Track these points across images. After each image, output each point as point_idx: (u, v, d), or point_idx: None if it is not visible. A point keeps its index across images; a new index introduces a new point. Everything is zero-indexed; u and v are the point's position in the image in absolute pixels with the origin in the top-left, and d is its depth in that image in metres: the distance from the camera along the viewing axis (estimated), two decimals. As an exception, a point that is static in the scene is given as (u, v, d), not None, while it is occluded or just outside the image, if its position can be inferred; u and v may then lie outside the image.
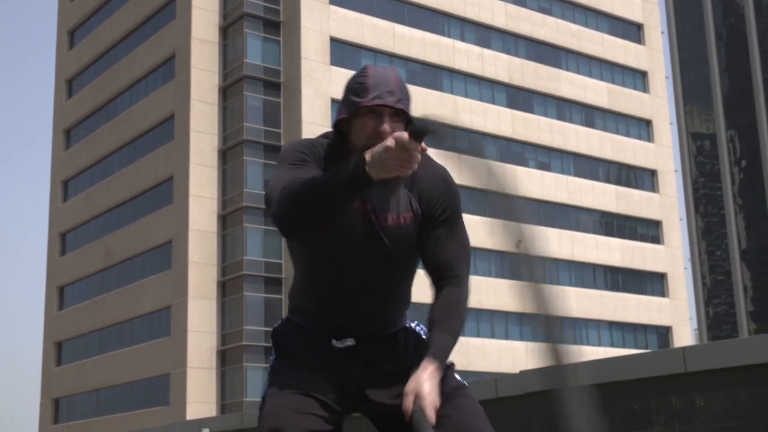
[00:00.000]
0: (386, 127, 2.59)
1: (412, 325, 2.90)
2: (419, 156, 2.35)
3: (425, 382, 2.49)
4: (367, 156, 2.35)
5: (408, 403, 2.47)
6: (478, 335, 51.29)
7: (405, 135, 2.29)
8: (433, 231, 2.70)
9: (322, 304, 2.71)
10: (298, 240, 2.53)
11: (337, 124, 2.69)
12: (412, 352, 2.81)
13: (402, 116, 2.64)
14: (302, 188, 2.43)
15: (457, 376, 2.82)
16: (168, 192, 50.45)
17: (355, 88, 2.64)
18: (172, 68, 52.02)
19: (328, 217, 2.45)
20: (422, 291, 48.67)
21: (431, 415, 2.46)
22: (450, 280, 2.69)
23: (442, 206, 2.71)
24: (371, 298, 2.72)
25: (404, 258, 2.72)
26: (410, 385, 2.48)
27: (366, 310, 2.74)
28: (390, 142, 2.31)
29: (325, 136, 2.75)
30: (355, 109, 2.61)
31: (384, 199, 2.67)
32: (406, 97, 2.64)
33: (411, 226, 2.70)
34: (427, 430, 2.39)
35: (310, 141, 2.70)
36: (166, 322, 48.79)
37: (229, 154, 49.62)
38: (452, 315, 2.65)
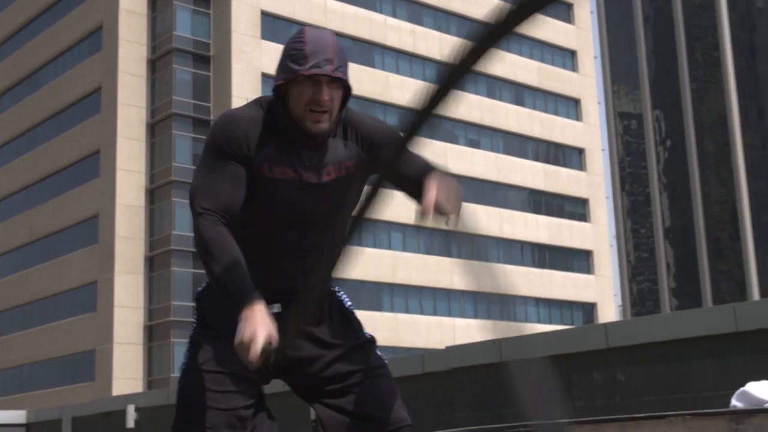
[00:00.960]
0: (324, 95, 2.60)
1: (336, 289, 2.92)
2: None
3: (437, 180, 2.60)
4: (246, 313, 2.46)
5: (429, 201, 2.59)
6: (407, 311, 51.60)
7: (255, 354, 2.42)
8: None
9: (252, 267, 2.71)
10: None
11: (276, 88, 2.68)
12: (334, 319, 2.84)
13: (340, 83, 2.64)
14: (210, 251, 2.55)
15: (378, 353, 2.86)
16: (95, 166, 49.68)
17: (292, 54, 2.63)
18: (99, 40, 51.08)
19: None
20: (356, 268, 48.68)
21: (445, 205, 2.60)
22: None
23: (384, 136, 2.76)
24: (303, 259, 2.74)
25: (342, 212, 2.75)
26: (428, 196, 2.57)
27: (297, 272, 2.75)
28: (244, 348, 2.44)
29: (257, 101, 2.74)
30: (293, 77, 2.61)
31: (317, 158, 2.70)
32: (344, 64, 2.65)
33: (355, 173, 2.74)
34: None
35: (238, 119, 2.68)
36: (92, 298, 48.17)
37: (157, 128, 48.99)
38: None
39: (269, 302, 2.73)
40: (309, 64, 2.59)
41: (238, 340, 2.44)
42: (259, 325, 2.43)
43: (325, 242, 2.75)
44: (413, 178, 2.73)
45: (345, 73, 2.64)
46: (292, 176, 2.66)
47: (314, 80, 2.61)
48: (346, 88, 2.68)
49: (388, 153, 2.72)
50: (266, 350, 2.44)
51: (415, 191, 2.74)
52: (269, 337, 2.45)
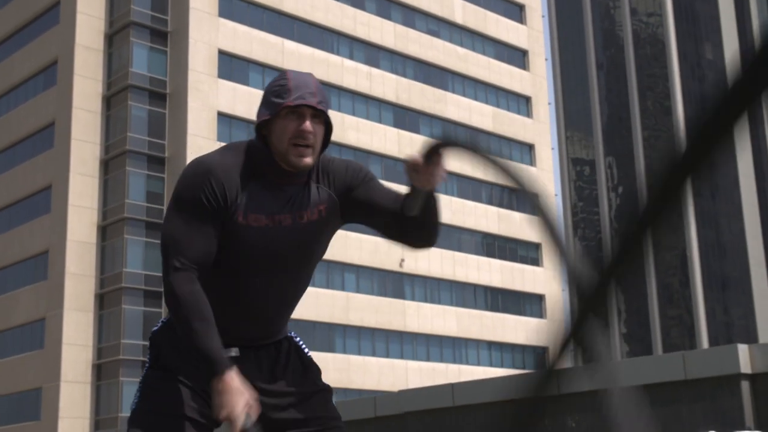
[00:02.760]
0: (308, 125, 2.62)
1: (291, 334, 2.92)
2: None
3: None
4: (219, 385, 2.50)
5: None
6: (359, 353, 51.40)
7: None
8: (365, 197, 2.74)
9: (216, 310, 2.70)
10: None
11: (258, 128, 2.69)
12: (292, 364, 2.84)
13: (322, 118, 2.66)
14: (184, 311, 2.56)
15: (333, 404, 2.85)
16: (46, 201, 49.14)
17: (276, 90, 2.65)
18: (53, 74, 50.77)
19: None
20: (309, 309, 48.51)
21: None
22: None
23: (356, 177, 2.76)
24: (268, 304, 2.74)
25: (313, 257, 2.76)
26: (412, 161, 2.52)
27: (260, 317, 2.75)
28: (230, 426, 2.48)
29: (230, 147, 2.74)
30: (277, 111, 2.62)
31: (292, 202, 2.70)
32: (325, 100, 2.68)
33: (326, 217, 2.74)
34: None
35: (211, 169, 2.66)
36: (39, 335, 47.42)
37: (111, 164, 48.64)
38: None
39: (227, 346, 2.73)
40: (293, 96, 2.62)
41: (218, 414, 2.49)
42: (234, 402, 2.48)
43: (291, 287, 2.76)
44: (396, 210, 2.73)
45: (327, 108, 2.67)
46: (265, 223, 2.67)
47: (298, 113, 2.62)
48: (327, 126, 2.71)
49: (361, 193, 2.74)
50: (247, 421, 2.48)
51: (401, 218, 2.73)
52: (247, 406, 2.49)
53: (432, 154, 2.50)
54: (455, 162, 58.79)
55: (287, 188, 2.70)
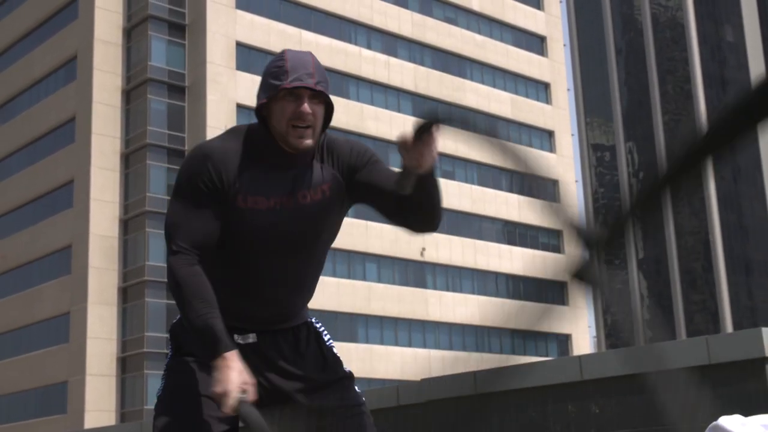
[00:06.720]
0: (306, 107, 2.61)
1: (313, 320, 2.92)
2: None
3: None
4: (219, 362, 2.50)
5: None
6: (381, 342, 51.47)
7: (230, 404, 2.48)
8: (369, 179, 2.72)
9: (228, 295, 2.70)
10: None
11: (257, 111, 2.69)
12: (312, 351, 2.83)
13: (321, 98, 2.65)
14: (184, 293, 2.57)
15: (357, 389, 2.85)
16: (68, 196, 49.41)
17: (273, 72, 2.64)
18: (73, 69, 50.98)
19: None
20: (330, 299, 48.60)
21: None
22: None
23: (361, 159, 2.74)
24: (281, 287, 2.73)
25: (321, 237, 2.74)
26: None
27: (274, 300, 2.75)
28: (222, 400, 2.48)
29: (232, 131, 2.74)
30: (275, 93, 2.61)
31: (295, 182, 2.69)
32: (324, 80, 2.66)
33: (330, 197, 2.72)
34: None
35: (211, 153, 2.66)
36: (64, 329, 47.74)
37: (131, 158, 48.84)
38: None
39: (245, 332, 2.73)
40: (290, 78, 2.60)
41: (213, 389, 2.49)
42: (231, 378, 2.47)
43: (302, 269, 2.75)
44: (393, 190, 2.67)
45: (326, 88, 2.65)
46: (267, 205, 2.66)
47: (296, 95, 2.61)
48: (328, 106, 2.70)
49: (365, 175, 2.71)
50: (241, 400, 2.48)
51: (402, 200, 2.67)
52: (243, 385, 2.48)
53: (423, 133, 2.43)
54: (474, 150, 58.64)
55: (290, 170, 2.69)
